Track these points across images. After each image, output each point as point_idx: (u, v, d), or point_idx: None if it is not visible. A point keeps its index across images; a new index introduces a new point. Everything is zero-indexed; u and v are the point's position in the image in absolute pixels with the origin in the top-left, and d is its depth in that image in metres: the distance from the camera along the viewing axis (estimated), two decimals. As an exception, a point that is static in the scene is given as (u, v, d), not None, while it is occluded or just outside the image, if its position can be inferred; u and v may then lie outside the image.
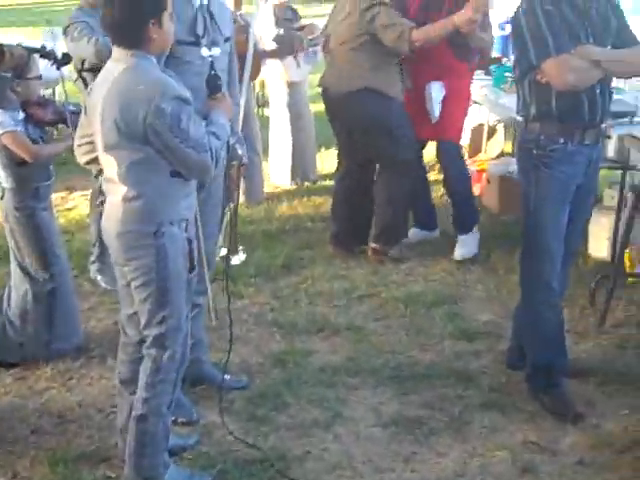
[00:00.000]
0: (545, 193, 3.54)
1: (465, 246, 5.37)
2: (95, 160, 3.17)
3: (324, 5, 32.22)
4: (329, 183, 7.07)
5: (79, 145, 3.23)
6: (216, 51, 3.40)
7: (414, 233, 5.69)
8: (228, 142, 3.21)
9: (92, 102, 3.00)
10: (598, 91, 3.49)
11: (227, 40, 3.51)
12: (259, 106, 9.18)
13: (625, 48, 3.49)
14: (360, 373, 3.91)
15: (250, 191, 6.55)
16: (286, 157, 7.10)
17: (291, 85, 6.93)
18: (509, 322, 4.28)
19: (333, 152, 8.02)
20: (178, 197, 3.00)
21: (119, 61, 2.90)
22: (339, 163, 5.73)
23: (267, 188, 6.99)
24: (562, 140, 3.49)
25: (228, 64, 3.56)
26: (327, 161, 7.78)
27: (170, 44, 3.02)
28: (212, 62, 3.35)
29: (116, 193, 2.97)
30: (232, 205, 3.60)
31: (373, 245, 5.38)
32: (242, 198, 6.41)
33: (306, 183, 7.13)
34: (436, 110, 5.29)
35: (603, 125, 3.64)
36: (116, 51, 2.92)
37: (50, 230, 4.11)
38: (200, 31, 3.35)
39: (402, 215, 5.46)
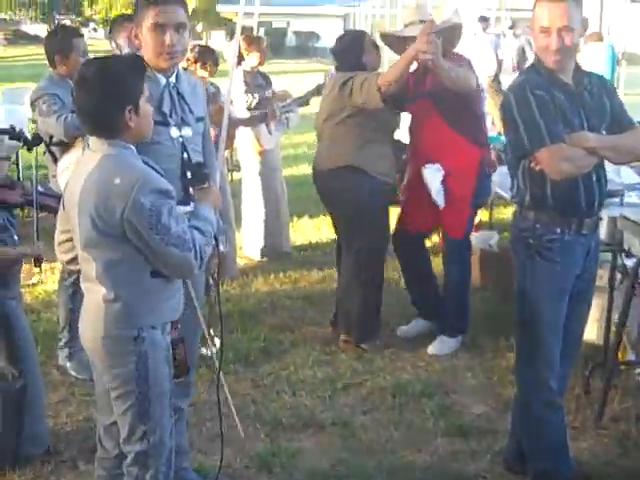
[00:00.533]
0: (541, 286, 3.40)
1: (443, 345, 5.02)
2: (77, 259, 2.96)
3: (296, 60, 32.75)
4: (304, 255, 6.95)
5: (59, 243, 3.01)
6: (187, 131, 3.22)
7: (417, 324, 5.32)
8: (215, 237, 3.04)
9: (68, 196, 2.82)
10: (594, 178, 3.39)
11: (199, 120, 3.33)
12: (229, 170, 9.06)
13: (621, 132, 3.40)
14: (352, 479, 3.68)
15: (224, 266, 6.34)
16: (259, 228, 6.93)
17: (262, 153, 6.80)
18: (503, 415, 4.12)
19: (307, 222, 7.95)
20: (160, 298, 2.80)
21: (95, 152, 2.72)
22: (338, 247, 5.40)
23: (240, 260, 6.80)
24: (559, 230, 3.37)
25: (202, 144, 3.37)
26: (300, 232, 7.65)
27: (150, 130, 2.84)
28: (183, 143, 3.18)
29: (94, 294, 2.77)
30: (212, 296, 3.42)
31: (343, 337, 5.05)
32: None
33: (280, 255, 6.94)
34: (439, 197, 4.85)
35: (601, 213, 3.53)
36: (91, 140, 2.74)
37: (20, 322, 3.85)
38: (167, 110, 3.16)
39: (371, 308, 5.04)
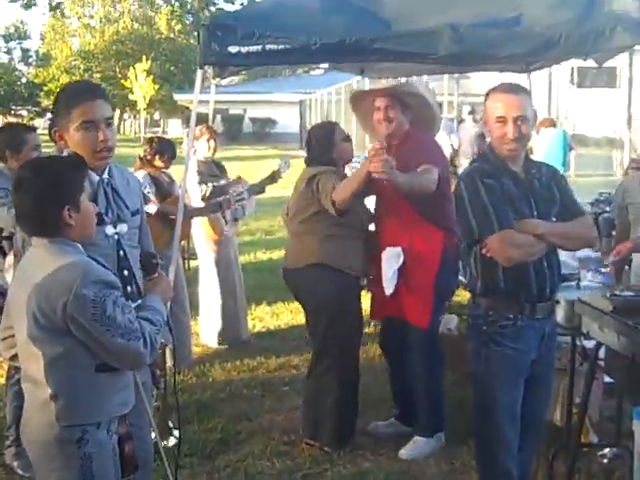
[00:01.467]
0: (495, 372, 3.40)
1: (416, 448, 4.69)
2: (20, 355, 2.86)
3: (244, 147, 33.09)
4: (262, 343, 6.86)
5: (3, 338, 2.91)
6: (123, 228, 3.13)
7: (394, 426, 4.99)
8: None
9: (11, 292, 2.75)
10: (546, 264, 3.42)
11: (135, 214, 3.25)
12: (185, 259, 9.00)
13: (571, 220, 3.45)
14: None
15: (179, 354, 6.22)
16: (216, 315, 6.84)
17: (218, 241, 6.76)
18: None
19: (264, 308, 7.87)
20: (107, 394, 2.70)
21: (37, 247, 2.66)
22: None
23: (197, 348, 6.69)
24: (511, 315, 3.38)
25: (140, 237, 3.29)
26: (258, 319, 7.57)
27: (94, 227, 2.78)
28: (118, 240, 3.09)
29: (34, 393, 2.68)
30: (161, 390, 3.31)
31: (307, 440, 4.76)
32: (170, 361, 6.11)
33: (238, 343, 6.83)
34: (390, 283, 4.61)
35: (555, 298, 3.55)
36: (34, 239, 2.68)
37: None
38: (102, 209, 3.06)
39: (345, 416, 4.73)
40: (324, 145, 4.83)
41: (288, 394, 5.62)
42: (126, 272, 3.08)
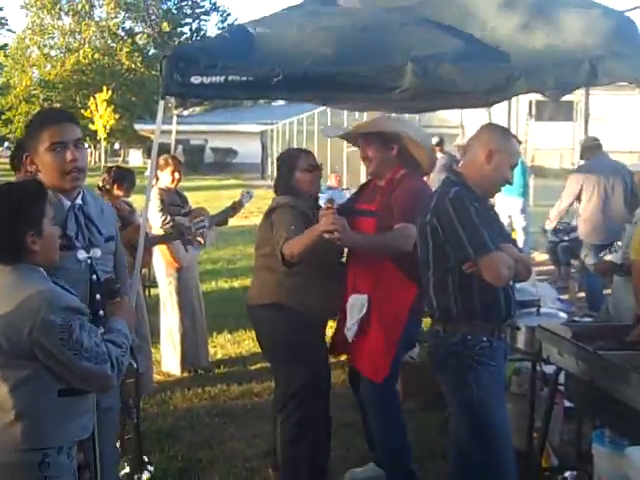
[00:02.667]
0: (490, 388, 3.52)
1: None
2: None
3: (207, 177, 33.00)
4: (223, 370, 6.83)
5: None
6: (96, 252, 3.13)
7: (371, 470, 4.64)
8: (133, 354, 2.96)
9: None
10: (509, 286, 3.50)
11: (109, 239, 3.26)
12: (146, 287, 8.95)
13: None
14: None
15: (140, 382, 6.16)
16: (176, 343, 6.81)
17: (179, 270, 6.75)
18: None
19: (225, 336, 7.85)
20: (69, 418, 2.69)
21: (1, 275, 2.64)
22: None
23: (158, 376, 6.64)
24: (485, 338, 3.46)
25: (114, 264, 3.30)
26: (220, 346, 7.54)
27: (57, 252, 2.77)
28: (91, 264, 3.09)
29: None
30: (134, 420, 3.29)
31: None
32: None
33: (199, 371, 6.80)
34: (350, 331, 4.28)
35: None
36: None
37: None
38: (72, 232, 3.07)
39: (319, 461, 4.44)
40: (284, 173, 4.58)
41: (250, 421, 5.59)
42: (98, 296, 3.07)
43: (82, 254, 3.08)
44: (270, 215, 4.44)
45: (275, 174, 4.81)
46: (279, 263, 4.26)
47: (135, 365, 3.16)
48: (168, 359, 6.88)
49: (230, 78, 5.03)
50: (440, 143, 13.61)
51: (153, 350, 6.68)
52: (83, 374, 2.60)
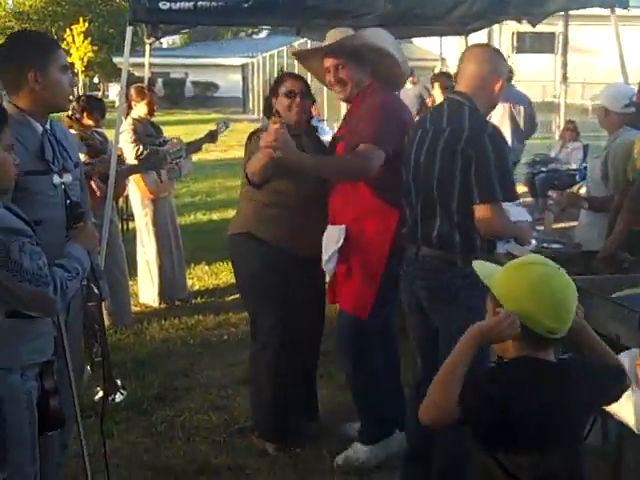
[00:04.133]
0: None
1: (351, 455, 4.10)
2: None
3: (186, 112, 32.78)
4: (200, 301, 6.87)
5: None
6: (68, 178, 3.14)
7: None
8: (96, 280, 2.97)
9: None
10: None
11: (76, 165, 3.27)
12: (123, 220, 8.94)
13: None
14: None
15: (117, 313, 6.21)
16: (154, 275, 6.82)
17: (155, 201, 6.73)
18: None
19: (203, 268, 7.87)
20: (18, 341, 2.68)
21: None
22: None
23: (136, 308, 6.67)
24: None
25: (80, 191, 3.30)
26: (197, 278, 7.57)
27: (10, 181, 2.71)
28: (65, 190, 3.10)
29: None
30: (99, 344, 3.30)
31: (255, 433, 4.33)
32: (108, 320, 6.10)
33: (177, 302, 6.84)
34: (329, 263, 3.99)
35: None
36: None
37: None
38: (49, 157, 3.07)
39: (273, 405, 4.20)
40: (268, 95, 4.31)
41: (226, 350, 5.65)
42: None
43: (57, 179, 3.08)
44: (249, 142, 4.21)
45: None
46: (260, 194, 4.09)
47: (97, 290, 3.15)
48: (145, 291, 6.90)
49: (199, 4, 4.97)
50: (411, 73, 13.53)
51: (131, 282, 6.69)
52: (23, 296, 2.57)
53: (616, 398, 2.40)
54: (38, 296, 2.58)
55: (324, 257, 4.01)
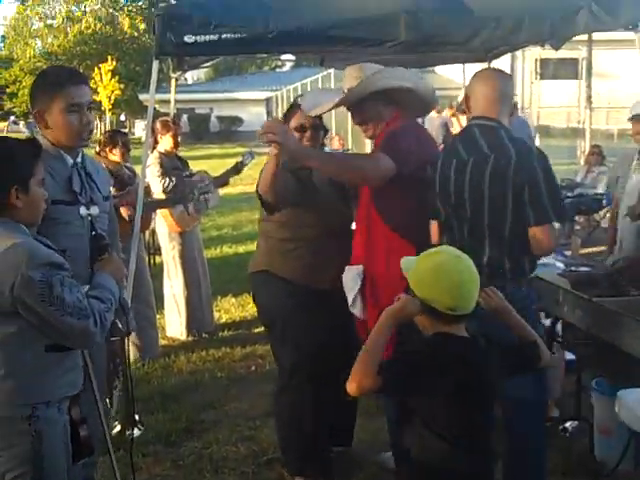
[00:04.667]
0: None
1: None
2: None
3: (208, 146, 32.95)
4: (227, 334, 6.87)
5: None
6: (95, 210, 3.19)
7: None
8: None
9: None
10: None
11: (106, 199, 3.34)
12: (150, 254, 8.98)
13: None
14: None
15: (145, 346, 6.23)
16: (181, 308, 6.84)
17: (182, 234, 6.76)
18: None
19: (230, 300, 7.87)
20: (56, 374, 2.71)
21: None
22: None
23: (163, 341, 6.68)
24: None
25: (109, 224, 3.35)
26: (224, 311, 7.57)
27: (40, 214, 2.78)
28: (91, 221, 3.15)
29: None
30: (121, 379, 3.30)
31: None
32: (137, 354, 6.12)
33: (204, 335, 6.83)
34: (355, 306, 3.83)
35: None
36: None
37: None
38: (77, 188, 3.15)
39: (296, 440, 4.12)
40: None
41: (253, 383, 5.63)
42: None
43: (83, 210, 3.14)
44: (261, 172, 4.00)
45: None
46: (274, 229, 4.05)
47: (120, 325, 3.16)
48: (172, 324, 6.91)
49: (224, 36, 5.01)
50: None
51: (158, 315, 6.70)
52: (65, 330, 2.60)
53: (530, 368, 2.82)
54: (80, 329, 2.61)
55: (349, 299, 3.85)
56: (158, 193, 6.51)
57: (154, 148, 6.77)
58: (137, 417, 3.59)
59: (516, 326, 2.77)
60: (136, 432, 3.49)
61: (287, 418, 4.14)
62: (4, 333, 2.59)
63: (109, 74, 39.62)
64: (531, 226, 3.27)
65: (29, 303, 2.53)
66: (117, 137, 6.28)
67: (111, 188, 5.85)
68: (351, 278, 3.83)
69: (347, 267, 3.88)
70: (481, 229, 3.32)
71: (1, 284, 2.52)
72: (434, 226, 3.63)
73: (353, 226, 4.13)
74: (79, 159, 3.21)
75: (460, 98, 11.82)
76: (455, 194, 3.39)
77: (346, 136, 18.88)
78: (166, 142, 6.69)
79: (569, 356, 4.75)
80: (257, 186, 3.90)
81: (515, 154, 3.25)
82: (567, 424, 4.47)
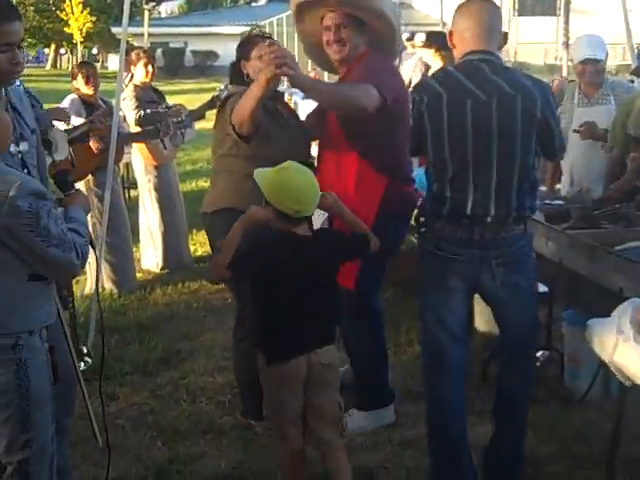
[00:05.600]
0: None
1: (355, 422, 4.03)
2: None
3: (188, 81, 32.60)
4: (202, 266, 6.87)
5: None
6: (24, 146, 3.00)
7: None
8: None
9: None
10: None
11: (33, 132, 3.11)
12: (125, 188, 8.93)
13: None
14: None
15: (121, 279, 6.23)
16: (157, 241, 6.83)
17: (158, 167, 6.72)
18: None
19: (205, 234, 7.82)
20: (38, 303, 2.70)
21: None
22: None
23: (138, 274, 6.68)
24: None
25: (37, 158, 3.14)
26: (200, 244, 7.56)
27: (9, 137, 2.69)
28: (22, 158, 2.97)
29: None
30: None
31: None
32: (112, 287, 6.13)
33: (179, 267, 6.84)
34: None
35: None
36: None
37: None
38: None
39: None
40: (236, 60, 4.04)
41: (229, 314, 5.62)
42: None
43: (13, 148, 2.94)
44: (224, 107, 3.85)
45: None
46: (239, 164, 3.80)
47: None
48: (148, 257, 6.91)
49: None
50: (411, 38, 13.40)
51: (134, 249, 6.69)
52: (50, 261, 2.59)
53: (361, 254, 3.41)
54: (64, 261, 2.61)
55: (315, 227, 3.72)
56: (132, 125, 6.44)
57: (130, 81, 6.69)
58: (85, 349, 3.59)
59: (350, 221, 3.31)
60: (82, 365, 3.46)
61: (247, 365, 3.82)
62: None
63: (80, 6, 38.80)
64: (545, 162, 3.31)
65: (15, 232, 2.51)
66: (81, 67, 6.22)
67: (82, 119, 5.85)
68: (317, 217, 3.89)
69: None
70: (510, 172, 3.14)
71: None
72: None
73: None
74: (3, 93, 2.97)
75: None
76: (477, 138, 3.12)
77: (321, 72, 18.69)
78: (140, 72, 6.60)
79: (542, 288, 4.81)
80: (229, 116, 3.71)
81: (539, 93, 3.14)
82: (538, 354, 4.55)
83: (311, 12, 3.97)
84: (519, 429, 3.47)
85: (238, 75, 3.99)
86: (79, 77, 6.10)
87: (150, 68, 6.62)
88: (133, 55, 6.68)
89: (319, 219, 4.06)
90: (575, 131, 5.02)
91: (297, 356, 3.11)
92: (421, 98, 3.21)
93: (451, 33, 3.26)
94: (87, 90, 6.09)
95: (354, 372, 4.17)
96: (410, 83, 6.55)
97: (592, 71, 4.92)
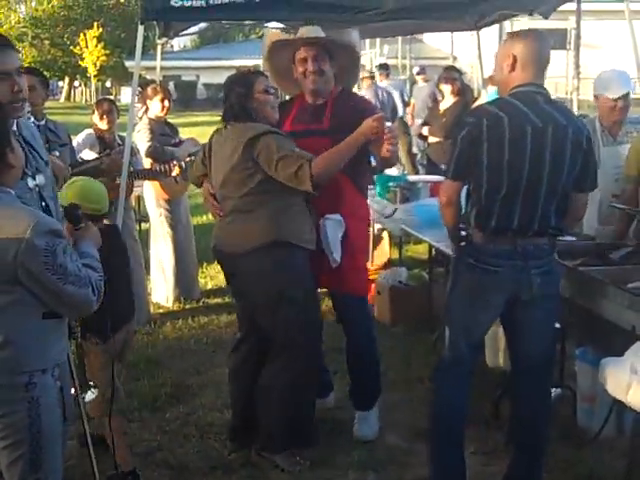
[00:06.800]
0: None
1: (366, 424, 4.33)
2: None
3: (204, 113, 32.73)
4: (213, 301, 6.86)
5: None
6: (41, 179, 2.98)
7: None
8: None
9: None
10: None
11: (47, 164, 3.11)
12: (137, 221, 8.93)
13: None
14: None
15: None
16: (167, 275, 6.83)
17: (169, 201, 6.74)
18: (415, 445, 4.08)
19: (216, 267, 7.82)
20: (51, 341, 2.69)
21: None
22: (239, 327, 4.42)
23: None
24: None
25: (52, 190, 3.13)
26: (210, 277, 7.56)
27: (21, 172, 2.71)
28: (39, 192, 2.96)
29: None
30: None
31: (258, 452, 4.12)
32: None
33: (190, 301, 6.83)
34: (336, 251, 4.07)
35: None
36: None
37: None
38: (22, 161, 2.89)
39: (299, 414, 4.07)
40: (240, 96, 3.95)
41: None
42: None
43: (31, 182, 2.94)
44: (250, 148, 3.81)
45: (226, 101, 4.05)
46: (274, 196, 3.84)
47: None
48: (158, 290, 6.90)
49: (211, 1, 4.96)
50: (422, 72, 13.49)
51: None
52: (66, 298, 2.58)
53: None
54: (80, 298, 2.60)
55: (332, 247, 4.06)
56: (144, 158, 6.46)
57: (144, 114, 6.73)
58: (92, 383, 3.58)
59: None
60: (88, 395, 3.46)
61: (289, 391, 3.97)
62: (5, 301, 2.55)
63: (94, 40, 39.25)
64: (582, 193, 3.52)
65: (32, 271, 2.50)
66: (98, 103, 6.27)
67: (94, 153, 5.87)
68: (336, 225, 4.09)
69: (326, 216, 4.07)
70: (554, 195, 3.39)
71: (5, 251, 2.48)
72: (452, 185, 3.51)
73: None
74: (15, 128, 2.94)
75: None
76: (532, 160, 3.29)
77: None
78: (156, 107, 6.63)
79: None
80: (309, 171, 3.74)
81: (582, 126, 3.43)
82: (551, 392, 4.50)
83: (286, 45, 4.29)
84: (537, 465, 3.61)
85: (244, 112, 3.94)
86: (96, 112, 6.14)
87: (167, 103, 6.66)
88: (149, 90, 6.72)
89: (334, 230, 4.10)
90: None
91: None
92: (479, 121, 3.31)
93: (515, 58, 3.35)
94: (102, 125, 6.12)
95: (360, 371, 4.41)
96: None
97: (622, 107, 4.88)
